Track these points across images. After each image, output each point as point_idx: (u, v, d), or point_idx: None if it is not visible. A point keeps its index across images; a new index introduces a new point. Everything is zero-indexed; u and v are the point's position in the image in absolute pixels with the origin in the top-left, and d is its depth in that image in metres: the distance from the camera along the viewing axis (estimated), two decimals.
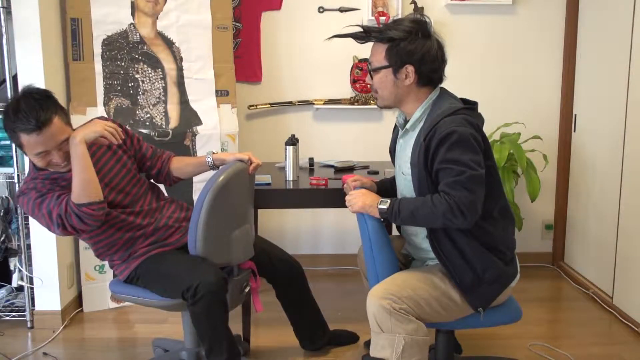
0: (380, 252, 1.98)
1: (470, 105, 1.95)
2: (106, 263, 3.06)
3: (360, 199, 2.00)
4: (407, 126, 1.99)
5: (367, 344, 2.65)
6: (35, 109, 1.85)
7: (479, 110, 2.02)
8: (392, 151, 2.20)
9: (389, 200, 1.94)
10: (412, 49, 1.89)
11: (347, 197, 2.05)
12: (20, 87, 2.75)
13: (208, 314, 1.94)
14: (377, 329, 1.86)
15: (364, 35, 1.97)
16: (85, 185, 1.89)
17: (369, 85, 2.02)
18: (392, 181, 2.26)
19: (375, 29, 1.96)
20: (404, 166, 2.00)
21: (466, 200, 1.79)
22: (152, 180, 2.34)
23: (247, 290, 2.26)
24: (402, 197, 2.02)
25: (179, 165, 2.33)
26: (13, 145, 2.78)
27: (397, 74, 1.92)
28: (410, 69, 1.90)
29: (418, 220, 1.89)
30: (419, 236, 2.05)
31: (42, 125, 1.85)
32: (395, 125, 2.18)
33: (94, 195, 1.90)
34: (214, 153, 2.27)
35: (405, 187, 2.03)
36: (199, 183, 3.09)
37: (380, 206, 1.94)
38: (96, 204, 1.90)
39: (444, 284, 1.95)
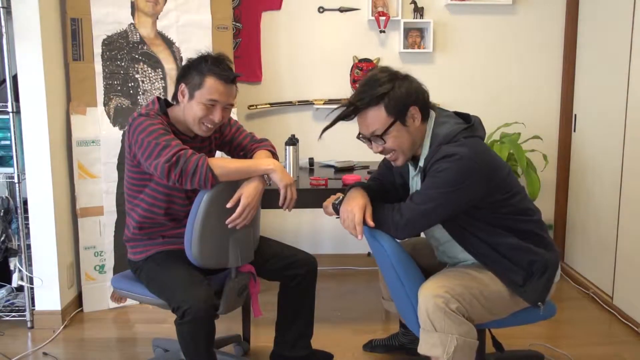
0: (407, 275, 1.91)
1: (468, 124, 1.90)
2: (106, 263, 3.09)
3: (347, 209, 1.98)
4: (421, 164, 1.95)
5: (366, 346, 2.64)
6: (231, 68, 2.12)
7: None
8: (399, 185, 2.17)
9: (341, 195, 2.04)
10: (406, 91, 1.87)
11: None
12: (20, 87, 2.77)
13: (193, 336, 1.96)
14: (429, 326, 1.83)
15: (352, 111, 1.95)
16: (230, 174, 2.03)
17: (380, 153, 2.00)
18: (376, 187, 2.19)
19: (358, 98, 1.92)
20: None
21: (412, 217, 1.85)
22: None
23: (245, 293, 2.25)
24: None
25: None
26: (13, 145, 2.78)
27: (405, 122, 1.89)
28: (414, 109, 1.88)
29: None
30: (457, 245, 2.00)
31: (233, 80, 2.09)
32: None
33: (221, 181, 2.02)
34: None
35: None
36: None
37: (334, 202, 2.03)
38: (216, 184, 2.00)
39: (494, 281, 1.93)
